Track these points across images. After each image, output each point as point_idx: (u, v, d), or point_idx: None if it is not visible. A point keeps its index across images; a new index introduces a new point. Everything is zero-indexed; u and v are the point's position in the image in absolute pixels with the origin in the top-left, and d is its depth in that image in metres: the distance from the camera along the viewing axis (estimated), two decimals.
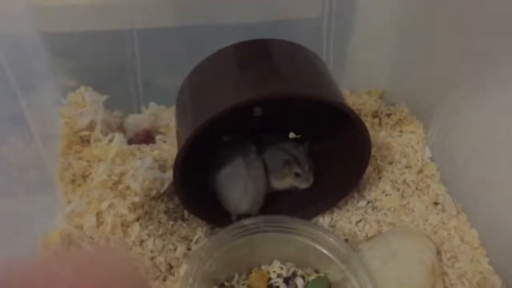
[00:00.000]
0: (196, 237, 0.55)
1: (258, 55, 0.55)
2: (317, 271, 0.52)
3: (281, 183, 0.58)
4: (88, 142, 0.63)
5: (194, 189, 0.55)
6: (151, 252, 0.53)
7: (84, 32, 0.69)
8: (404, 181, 0.60)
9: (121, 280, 0.24)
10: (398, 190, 0.59)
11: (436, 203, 0.58)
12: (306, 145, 0.58)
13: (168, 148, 0.63)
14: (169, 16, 0.71)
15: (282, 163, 0.56)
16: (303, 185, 0.57)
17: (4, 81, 0.64)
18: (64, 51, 0.69)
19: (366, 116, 0.68)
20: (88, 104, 0.63)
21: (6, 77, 0.64)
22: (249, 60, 0.55)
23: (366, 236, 0.55)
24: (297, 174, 0.56)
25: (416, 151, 0.63)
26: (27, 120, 0.64)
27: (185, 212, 0.57)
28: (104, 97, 0.65)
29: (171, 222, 0.56)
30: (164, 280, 0.52)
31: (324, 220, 0.57)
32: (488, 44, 0.51)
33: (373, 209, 0.58)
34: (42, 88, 0.67)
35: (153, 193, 0.57)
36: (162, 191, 0.58)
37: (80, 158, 0.61)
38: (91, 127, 0.63)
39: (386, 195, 0.59)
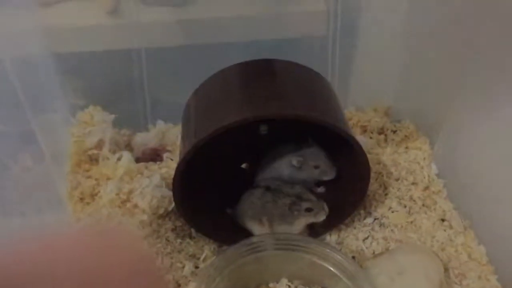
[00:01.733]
0: (204, 255, 0.55)
1: (262, 74, 0.56)
2: None
3: (297, 226, 0.55)
4: (97, 160, 0.64)
5: (199, 206, 0.56)
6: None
7: (93, 51, 0.70)
8: (411, 198, 0.60)
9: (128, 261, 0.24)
10: (405, 206, 0.59)
11: (443, 220, 0.58)
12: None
13: (175, 165, 0.64)
14: (176, 35, 0.72)
15: (288, 209, 0.53)
16: (321, 217, 0.54)
17: (15, 100, 0.65)
18: (74, 70, 0.70)
19: (372, 132, 0.68)
20: (97, 123, 0.64)
21: (18, 96, 0.65)
22: (253, 79, 0.56)
23: (373, 253, 0.55)
24: (308, 209, 0.54)
25: (422, 167, 0.63)
26: (37, 139, 0.65)
27: (193, 229, 0.58)
28: (113, 116, 0.66)
29: (178, 240, 0.57)
30: None
31: (331, 237, 0.57)
32: (495, 60, 0.52)
33: (380, 226, 0.58)
34: (52, 107, 0.68)
35: (161, 211, 0.58)
36: (169, 209, 0.58)
37: (89, 177, 0.62)
38: (99, 145, 0.64)
39: (393, 212, 0.59)
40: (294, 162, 0.57)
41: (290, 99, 0.53)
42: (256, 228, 0.55)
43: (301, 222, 0.54)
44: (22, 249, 0.22)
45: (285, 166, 0.58)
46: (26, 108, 0.66)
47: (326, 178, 0.57)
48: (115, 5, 0.70)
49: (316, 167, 0.57)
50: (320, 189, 0.59)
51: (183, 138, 0.57)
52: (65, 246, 0.23)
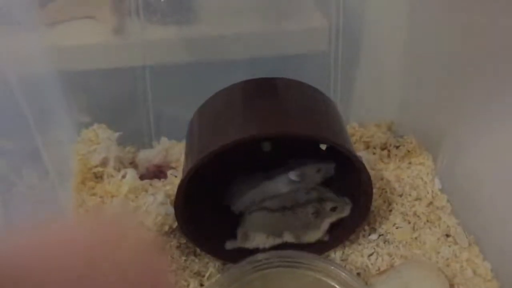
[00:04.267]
0: (209, 272, 0.55)
1: (266, 92, 0.56)
2: None
3: (325, 227, 0.56)
4: (101, 178, 0.64)
5: (202, 224, 0.56)
6: None
7: (98, 69, 0.71)
8: (415, 214, 0.60)
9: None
10: (409, 222, 0.59)
11: (447, 235, 0.58)
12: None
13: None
14: (180, 52, 0.73)
15: (313, 216, 0.54)
16: (346, 212, 0.55)
17: (21, 117, 0.66)
18: (78, 88, 0.71)
19: (374, 148, 0.69)
20: (101, 141, 0.65)
21: (23, 113, 0.66)
22: (256, 97, 0.56)
23: (378, 269, 0.55)
24: (333, 209, 0.55)
25: (425, 182, 0.63)
26: (42, 157, 0.65)
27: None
28: (117, 134, 0.66)
29: (183, 258, 0.57)
30: None
31: (336, 254, 0.57)
32: (497, 73, 0.52)
33: (384, 242, 0.58)
34: (57, 125, 0.69)
35: (166, 228, 0.58)
36: (174, 226, 0.58)
37: (94, 194, 0.62)
38: (104, 163, 0.64)
39: (397, 228, 0.59)
40: (293, 177, 0.56)
41: (293, 117, 0.53)
42: (271, 242, 0.55)
43: (328, 222, 0.55)
44: (25, 242, 0.22)
45: (283, 185, 0.57)
46: (32, 125, 0.67)
47: (331, 174, 0.57)
48: (119, 23, 0.71)
49: (318, 170, 0.57)
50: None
51: (186, 155, 0.57)
52: (69, 233, 0.23)
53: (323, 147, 0.58)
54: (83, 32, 0.71)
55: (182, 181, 0.52)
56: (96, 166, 0.64)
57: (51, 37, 0.69)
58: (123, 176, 0.63)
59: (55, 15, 0.70)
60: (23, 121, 0.66)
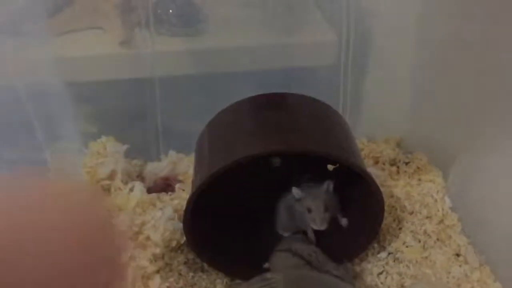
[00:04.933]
0: None
1: (276, 107, 0.56)
2: None
3: None
4: (109, 191, 0.64)
5: (211, 239, 0.55)
6: None
7: (107, 80, 0.71)
8: (425, 232, 0.59)
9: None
10: (419, 241, 0.59)
11: (458, 255, 0.57)
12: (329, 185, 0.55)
13: (187, 196, 0.63)
14: (188, 64, 0.73)
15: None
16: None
17: (29, 128, 0.65)
18: (86, 99, 0.71)
19: (384, 164, 0.68)
20: (109, 154, 0.65)
21: (31, 125, 0.66)
22: (266, 112, 0.56)
23: None
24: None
25: (436, 200, 0.63)
26: (50, 169, 0.65)
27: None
28: (125, 147, 0.66)
29: (191, 274, 0.56)
30: None
31: None
32: (510, 91, 0.52)
33: (394, 261, 0.57)
34: (65, 137, 0.68)
35: (173, 244, 0.57)
36: (182, 241, 0.58)
37: None
38: (111, 176, 0.64)
39: (407, 247, 0.58)
40: (294, 193, 0.54)
41: (303, 133, 0.53)
42: None
43: None
44: None
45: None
46: (40, 136, 0.67)
47: (314, 226, 0.54)
48: (128, 35, 0.71)
49: (309, 210, 0.53)
50: (344, 222, 0.57)
51: (195, 170, 0.56)
52: (26, 203, 0.22)
53: (330, 168, 0.57)
54: (91, 43, 0.71)
55: (191, 197, 0.52)
56: (103, 179, 0.63)
57: (59, 48, 0.68)
58: (131, 190, 0.63)
59: (63, 25, 0.70)
60: (31, 132, 0.66)
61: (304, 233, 0.57)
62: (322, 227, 0.53)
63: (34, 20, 0.65)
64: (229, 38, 0.73)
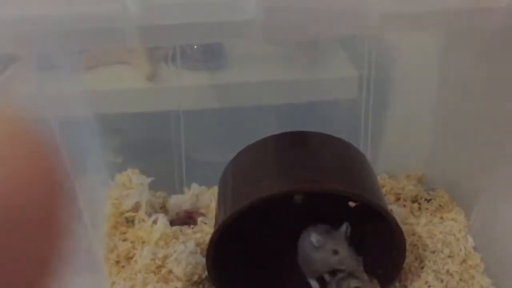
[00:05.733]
0: None
1: (300, 146, 0.57)
2: None
3: None
4: (133, 222, 0.65)
5: (233, 275, 0.56)
6: None
7: (133, 113, 0.73)
8: (448, 272, 0.59)
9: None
10: (442, 281, 0.58)
11: None
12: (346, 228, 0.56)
13: (209, 230, 0.64)
14: (212, 98, 0.74)
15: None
16: None
17: (59, 161, 0.67)
18: (113, 131, 0.73)
19: (405, 200, 0.68)
20: (134, 186, 0.66)
21: (62, 157, 0.67)
22: (291, 150, 0.57)
23: None
24: None
25: (458, 239, 0.62)
26: (77, 200, 0.66)
27: None
28: (150, 179, 0.67)
29: None
30: None
31: None
32: None
33: None
34: (92, 168, 0.70)
35: (195, 278, 0.58)
36: (203, 276, 0.58)
37: (125, 240, 0.63)
38: (136, 208, 0.65)
39: (429, 286, 0.58)
40: (314, 240, 0.53)
41: (327, 172, 0.54)
42: None
43: None
44: None
45: (307, 243, 0.55)
46: (69, 169, 0.69)
47: (343, 267, 0.53)
48: (153, 70, 0.73)
49: (335, 252, 0.53)
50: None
51: (219, 206, 0.57)
52: None
53: (352, 205, 0.57)
54: (119, 77, 0.73)
55: (214, 233, 0.53)
56: (128, 211, 0.65)
57: (89, 81, 0.71)
58: (154, 222, 0.64)
59: (92, 60, 0.73)
60: (61, 164, 0.68)
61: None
62: (354, 265, 0.53)
63: (66, 54, 0.67)
64: (252, 72, 0.74)
